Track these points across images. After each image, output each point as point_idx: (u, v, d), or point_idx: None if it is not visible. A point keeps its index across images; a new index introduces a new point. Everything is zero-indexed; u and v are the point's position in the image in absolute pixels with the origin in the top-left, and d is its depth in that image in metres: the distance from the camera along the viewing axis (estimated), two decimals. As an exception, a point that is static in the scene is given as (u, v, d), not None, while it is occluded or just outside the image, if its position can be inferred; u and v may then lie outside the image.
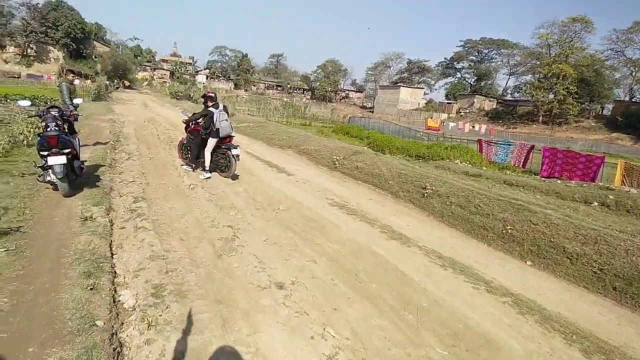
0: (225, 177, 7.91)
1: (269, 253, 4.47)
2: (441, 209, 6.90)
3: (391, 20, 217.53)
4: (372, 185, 8.50)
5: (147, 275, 3.61)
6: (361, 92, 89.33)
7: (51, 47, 59.04)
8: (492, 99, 66.25)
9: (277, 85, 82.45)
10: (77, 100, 7.74)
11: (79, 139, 6.26)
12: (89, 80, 32.78)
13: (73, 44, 58.43)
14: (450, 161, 14.60)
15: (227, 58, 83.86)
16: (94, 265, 3.50)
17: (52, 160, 4.93)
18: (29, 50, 57.54)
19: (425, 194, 7.34)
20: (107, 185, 6.19)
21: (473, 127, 40.14)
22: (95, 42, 64.72)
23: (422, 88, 75.30)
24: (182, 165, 8.38)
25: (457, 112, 64.75)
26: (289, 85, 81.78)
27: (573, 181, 10.78)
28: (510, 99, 67.73)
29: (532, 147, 15.24)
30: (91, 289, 3.12)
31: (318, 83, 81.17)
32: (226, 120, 7.68)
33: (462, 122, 43.20)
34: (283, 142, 13.31)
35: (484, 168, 13.85)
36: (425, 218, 6.80)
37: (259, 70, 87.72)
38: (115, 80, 47.82)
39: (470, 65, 79.32)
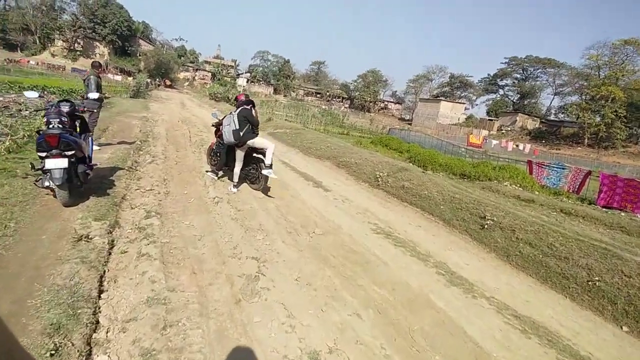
0: (255, 189, 7.04)
1: (300, 300, 3.47)
2: (506, 245, 5.69)
3: (436, 34, 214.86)
4: (420, 209, 7.35)
5: (138, 330, 2.68)
6: (400, 103, 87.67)
7: (97, 43, 61.58)
8: (535, 118, 63.63)
9: (317, 93, 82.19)
10: (92, 95, 7.03)
11: (92, 139, 5.51)
12: (131, 78, 33.15)
13: (119, 41, 60.78)
14: (498, 183, 13.24)
15: (268, 63, 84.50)
16: (69, 311, 2.60)
17: (51, 164, 4.15)
18: (76, 45, 60.08)
19: (485, 226, 6.13)
20: (120, 193, 5.39)
21: (517, 146, 38.03)
22: (140, 40, 66.86)
23: (463, 103, 73.05)
24: (207, 172, 7.58)
25: (498, 130, 62.35)
26: (328, 93, 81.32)
27: (639, 215, 9.34)
28: (554, 119, 64.98)
29: (589, 172, 13.72)
30: (52, 354, 2.22)
31: (357, 92, 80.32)
32: (228, 125, 6.52)
33: (505, 140, 41.04)
34: (321, 152, 12.36)
35: (536, 192, 12.45)
36: (487, 255, 5.60)
37: (299, 77, 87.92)
38: (157, 79, 48.72)
39: (514, 82, 76.59)
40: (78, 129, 5.31)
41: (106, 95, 8.17)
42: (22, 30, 57.68)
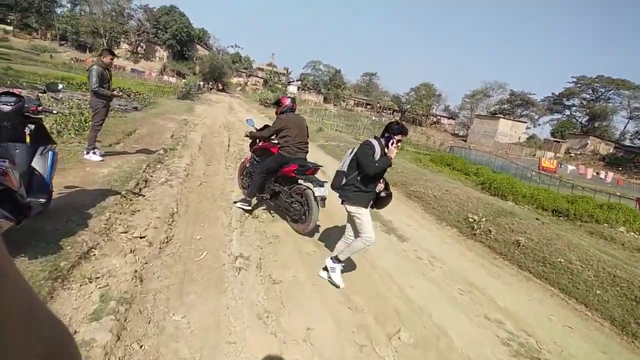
0: (299, 231, 4.86)
1: None
2: None
3: (497, 49, 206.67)
4: (557, 290, 4.68)
5: None
6: (453, 119, 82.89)
7: (158, 47, 64.36)
8: (609, 143, 57.02)
9: (367, 103, 79.66)
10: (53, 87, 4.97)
11: (54, 153, 3.46)
12: (184, 80, 32.59)
13: (177, 46, 63.49)
14: (610, 227, 10.23)
15: (320, 72, 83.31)
16: None
17: None
18: (138, 49, 63.09)
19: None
20: (83, 244, 3.25)
21: (597, 173, 33.14)
22: (197, 46, 68.50)
23: (525, 122, 67.14)
24: (235, 203, 5.41)
25: (565, 152, 56.34)
26: (378, 104, 78.52)
27: None
28: (631, 144, 58.17)
29: None
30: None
31: (409, 105, 76.65)
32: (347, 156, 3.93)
33: (582, 165, 36.09)
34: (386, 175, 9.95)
35: (666, 245, 9.30)
36: None
37: (350, 87, 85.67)
38: (211, 82, 48.59)
39: (582, 103, 69.26)
40: (28, 139, 3.30)
41: (115, 92, 6.20)
42: (92, 33, 60.93)
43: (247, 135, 5.81)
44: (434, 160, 22.66)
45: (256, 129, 5.73)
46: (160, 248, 3.63)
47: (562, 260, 4.94)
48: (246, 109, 29.86)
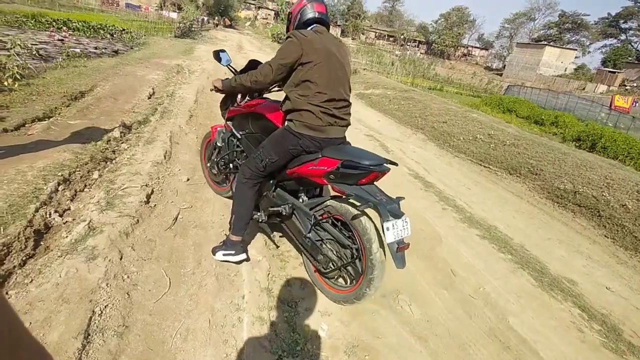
0: (336, 300, 2.21)
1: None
2: None
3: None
4: None
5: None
6: (486, 49, 75.09)
7: None
8: (670, 73, 49.94)
9: (389, 35, 72.41)
10: None
11: None
12: (182, 13, 27.75)
13: None
14: None
15: (335, 1, 75.54)
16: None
17: None
18: None
19: None
20: None
21: (675, 113, 27.94)
22: (200, -27, 61.06)
23: (575, 49, 58.71)
24: (214, 252, 2.40)
25: (620, 85, 49.39)
26: (402, 36, 71.20)
27: None
28: (695, 75, 50.97)
29: None
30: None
31: (437, 35, 69.04)
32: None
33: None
34: (480, 148, 6.31)
35: None
36: None
37: (370, 17, 77.70)
38: (216, 17, 43.25)
39: None
40: None
41: None
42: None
43: (216, 90, 2.62)
44: (489, 104, 18.41)
45: (235, 71, 2.78)
46: None
47: None
48: (257, 47, 25.59)
